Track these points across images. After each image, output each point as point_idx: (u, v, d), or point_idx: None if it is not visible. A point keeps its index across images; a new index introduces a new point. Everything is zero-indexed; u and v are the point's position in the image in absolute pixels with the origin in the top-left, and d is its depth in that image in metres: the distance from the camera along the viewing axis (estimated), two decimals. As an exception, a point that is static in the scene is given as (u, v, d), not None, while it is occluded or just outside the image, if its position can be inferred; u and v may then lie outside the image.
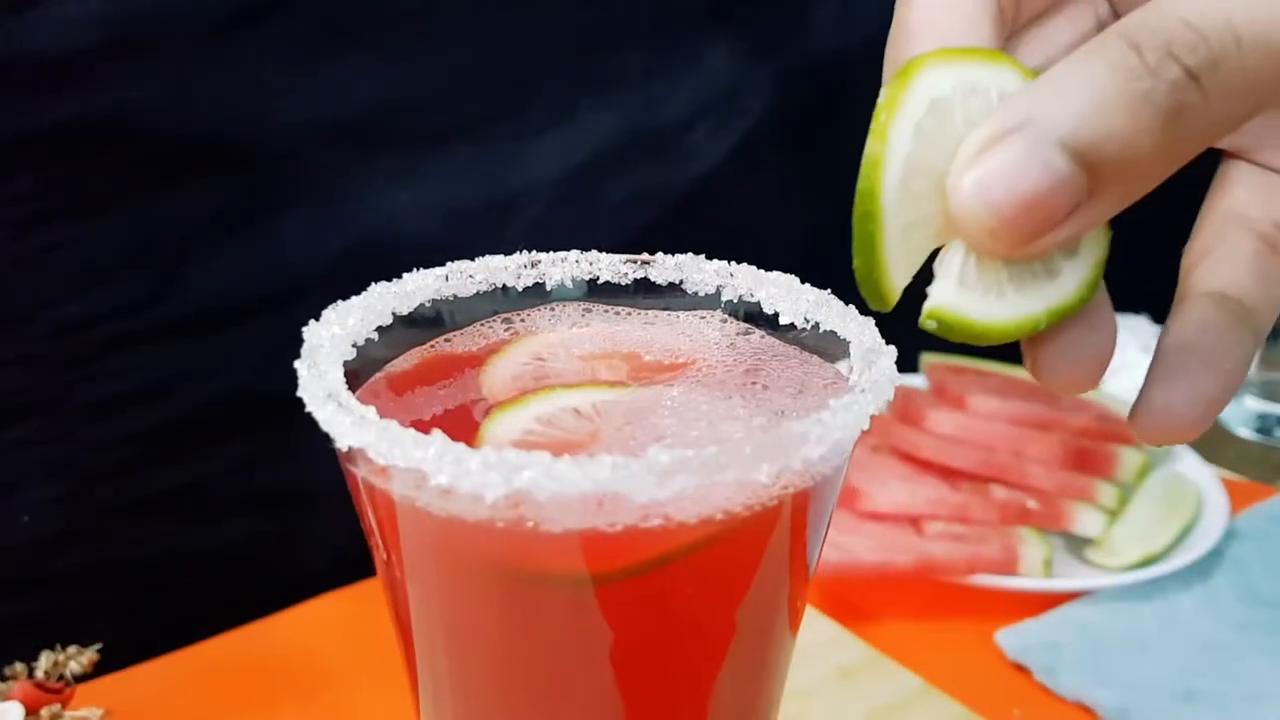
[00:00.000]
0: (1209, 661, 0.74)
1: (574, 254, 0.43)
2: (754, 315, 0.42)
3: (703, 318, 0.43)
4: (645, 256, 0.43)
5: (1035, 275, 0.32)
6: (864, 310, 0.34)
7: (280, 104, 0.80)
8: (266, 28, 0.78)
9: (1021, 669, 0.74)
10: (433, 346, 0.41)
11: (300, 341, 0.36)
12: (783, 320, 0.41)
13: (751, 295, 0.42)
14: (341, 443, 0.33)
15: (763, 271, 0.42)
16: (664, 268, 0.43)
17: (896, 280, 0.32)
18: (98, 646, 0.69)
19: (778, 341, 0.41)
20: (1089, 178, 0.28)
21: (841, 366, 0.40)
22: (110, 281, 0.77)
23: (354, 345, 0.38)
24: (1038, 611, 0.78)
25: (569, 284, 0.43)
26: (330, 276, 0.83)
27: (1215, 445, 1.00)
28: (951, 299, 0.32)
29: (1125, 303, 1.08)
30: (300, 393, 0.34)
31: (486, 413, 0.37)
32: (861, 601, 0.80)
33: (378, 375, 0.40)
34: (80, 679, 0.68)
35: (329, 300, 0.39)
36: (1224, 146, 0.36)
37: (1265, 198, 0.35)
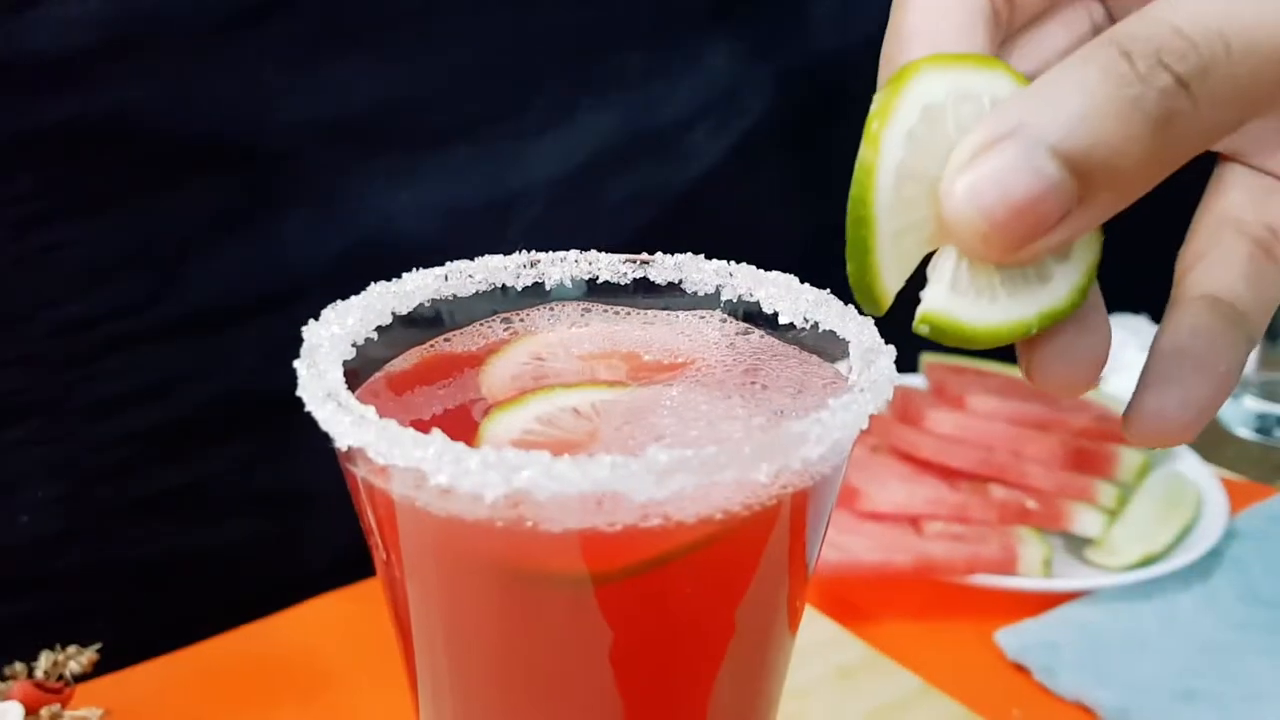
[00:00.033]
0: (1209, 661, 0.74)
1: (573, 254, 0.43)
2: (753, 315, 0.42)
3: (702, 317, 0.43)
4: (644, 256, 0.43)
5: (1027, 279, 0.32)
6: (863, 310, 0.34)
7: (280, 104, 0.80)
8: (266, 28, 0.78)
9: (1021, 669, 0.74)
10: (432, 346, 0.41)
11: (300, 341, 0.36)
12: (782, 320, 0.41)
13: (751, 295, 0.42)
14: (341, 442, 0.33)
15: (762, 271, 0.42)
16: (663, 267, 0.43)
17: (889, 285, 0.32)
18: (97, 646, 0.69)
19: (777, 341, 0.42)
20: (1080, 184, 0.28)
21: (841, 366, 0.40)
22: (110, 281, 0.77)
23: (353, 345, 0.38)
24: (1037, 611, 0.78)
25: (568, 284, 0.43)
26: (330, 276, 0.83)
27: (1215, 445, 1.01)
28: (944, 303, 0.32)
29: (1125, 303, 1.09)
30: (300, 392, 0.34)
31: (486, 412, 0.38)
32: (861, 601, 0.80)
33: (377, 375, 0.40)
34: (80, 679, 0.68)
35: (329, 300, 0.39)
36: (1219, 150, 0.36)
37: (1260, 201, 0.35)
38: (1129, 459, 0.88)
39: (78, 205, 0.75)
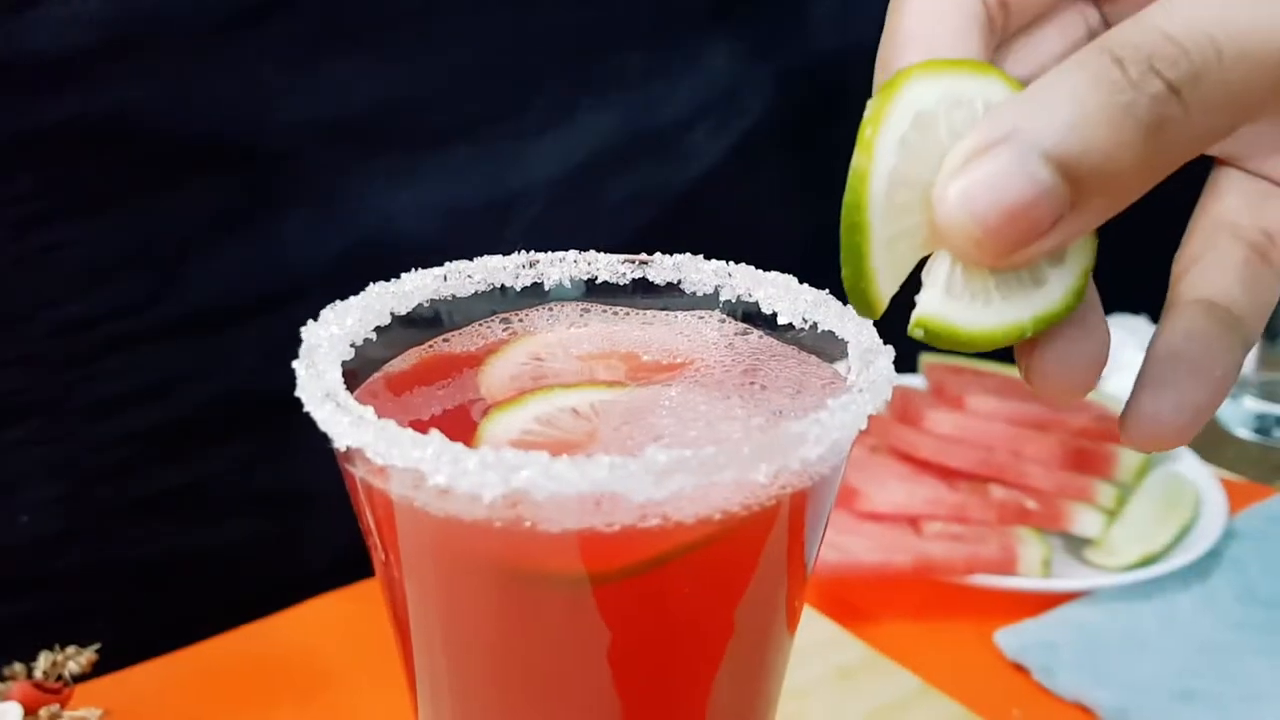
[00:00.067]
0: (1207, 661, 0.74)
1: (572, 254, 0.43)
2: (752, 315, 0.42)
3: (701, 318, 0.43)
4: (643, 256, 0.43)
5: (1022, 283, 0.32)
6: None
7: (280, 104, 0.80)
8: (266, 28, 0.78)
9: (1020, 669, 0.74)
10: (431, 346, 0.41)
11: (300, 341, 0.36)
12: (781, 320, 0.41)
13: (750, 295, 0.42)
14: (339, 442, 0.33)
15: (761, 271, 0.42)
16: (662, 268, 0.43)
17: (884, 290, 0.32)
18: (96, 646, 0.69)
19: (776, 341, 0.42)
20: (1072, 189, 0.28)
21: (840, 366, 0.40)
22: (110, 281, 0.77)
23: (352, 345, 0.38)
24: (1036, 611, 0.78)
25: (567, 284, 0.43)
26: (330, 276, 0.83)
27: (1214, 445, 1.01)
28: (938, 308, 0.32)
29: (1125, 303, 1.08)
30: (298, 392, 0.34)
31: (485, 413, 0.38)
32: (860, 601, 0.80)
33: (376, 375, 0.40)
34: (79, 679, 0.68)
35: (329, 300, 0.39)
36: (1215, 154, 0.36)
37: (1255, 205, 0.35)
38: (1128, 459, 0.88)
39: (78, 205, 0.75)
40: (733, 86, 1.01)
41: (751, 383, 0.39)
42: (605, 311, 0.43)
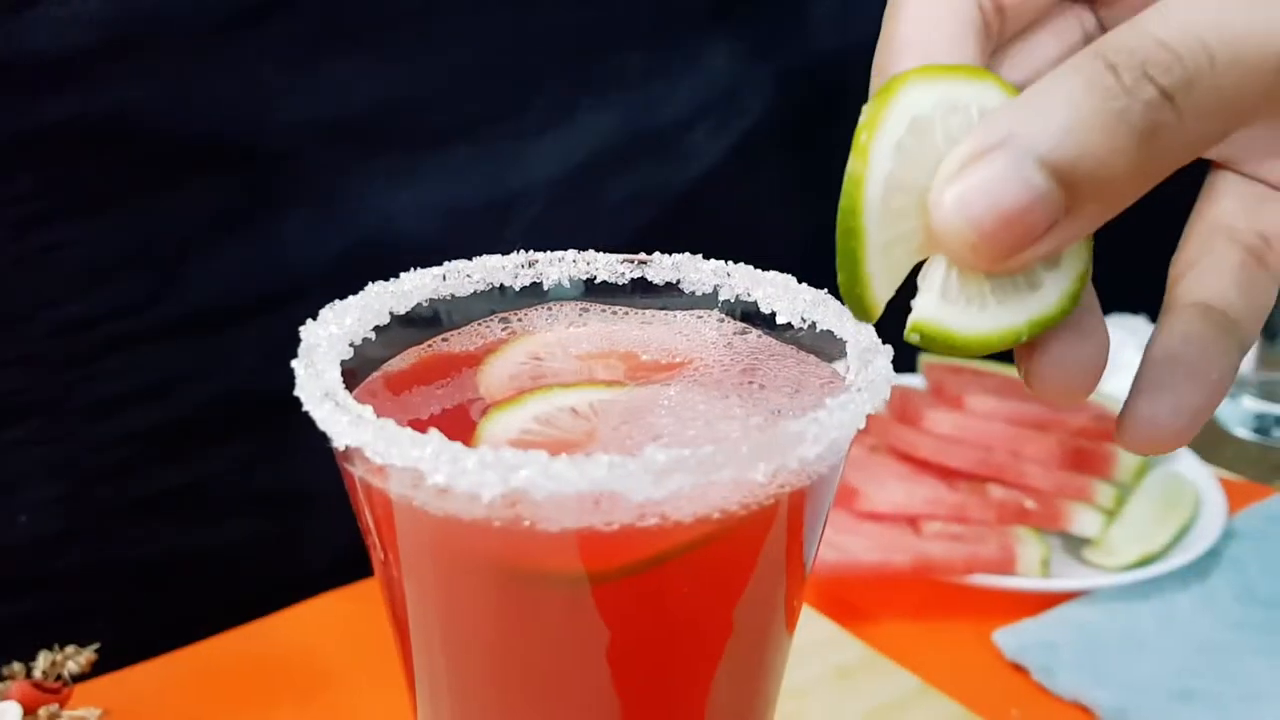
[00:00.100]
0: (1206, 661, 0.74)
1: (571, 253, 0.43)
2: (751, 315, 0.42)
3: (700, 317, 0.43)
4: (642, 256, 0.43)
5: (1017, 287, 0.33)
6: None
7: (280, 104, 0.80)
8: (266, 28, 0.78)
9: (1019, 669, 0.74)
10: (430, 346, 0.42)
11: (299, 341, 0.36)
12: (780, 320, 0.41)
13: (748, 295, 0.42)
14: (338, 442, 0.33)
15: (759, 271, 0.42)
16: (661, 267, 0.43)
17: (880, 294, 0.32)
18: (95, 646, 0.69)
19: (774, 341, 0.42)
20: (1066, 194, 0.29)
21: (838, 366, 0.40)
22: (110, 281, 0.77)
23: (351, 345, 0.38)
24: (1035, 611, 0.78)
25: (566, 284, 0.43)
26: (330, 276, 0.83)
27: (1213, 445, 1.01)
28: (934, 312, 0.32)
29: (1124, 303, 1.08)
30: (297, 392, 0.34)
31: (484, 412, 0.38)
32: (859, 601, 0.80)
33: (375, 375, 0.40)
34: (78, 679, 0.68)
35: (329, 300, 0.39)
36: (1212, 157, 0.36)
37: (1251, 209, 0.35)
38: (1127, 459, 0.88)
39: (78, 205, 0.75)
40: (733, 86, 1.01)
41: (750, 382, 0.39)
42: (604, 311, 0.43)
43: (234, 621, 0.76)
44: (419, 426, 0.32)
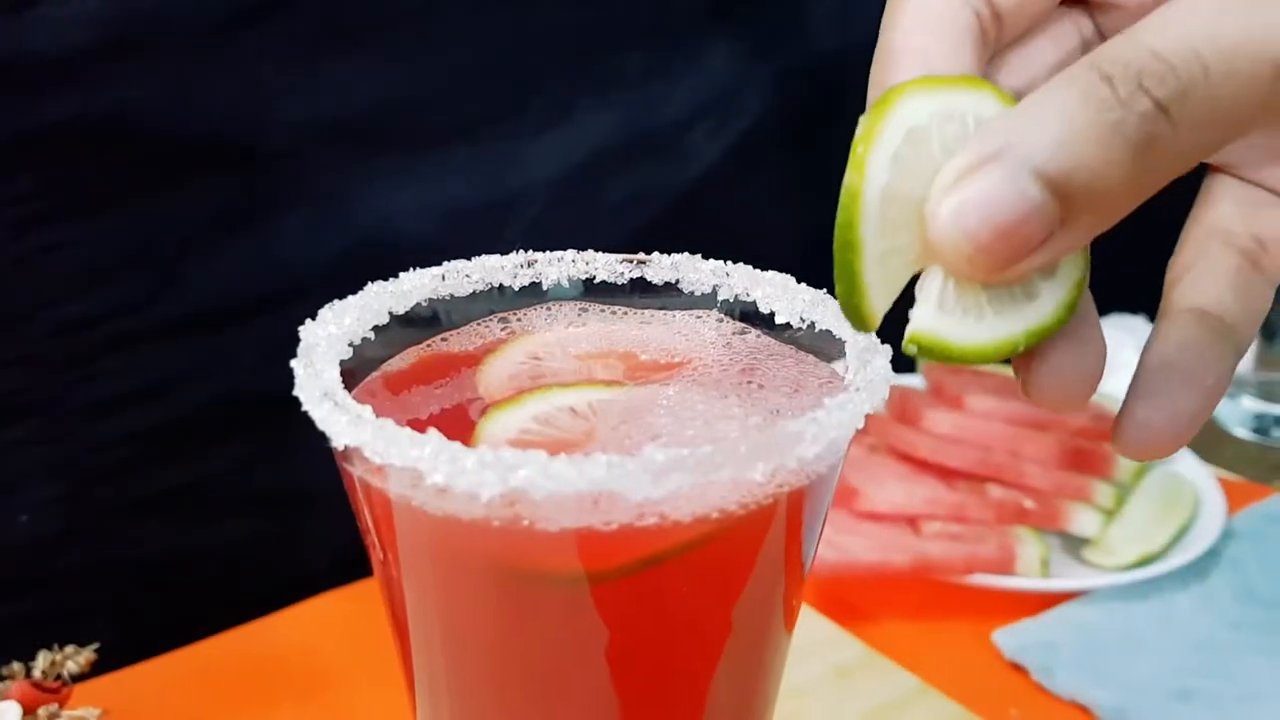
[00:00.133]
0: (1205, 661, 0.74)
1: (570, 253, 0.43)
2: (750, 314, 0.42)
3: (699, 317, 0.43)
4: (641, 256, 0.43)
5: (1014, 297, 0.33)
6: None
7: (280, 104, 0.80)
8: (266, 28, 0.78)
9: (1019, 668, 0.74)
10: (429, 346, 0.42)
11: (299, 341, 0.36)
12: (778, 320, 0.41)
13: (747, 295, 0.42)
14: (337, 441, 0.33)
15: (758, 271, 0.42)
16: (660, 267, 0.43)
17: (877, 305, 0.32)
18: (95, 646, 0.69)
19: (773, 341, 0.42)
20: (1062, 206, 0.29)
21: (837, 366, 0.40)
22: (110, 281, 0.77)
23: (350, 344, 0.38)
24: (1035, 611, 0.78)
25: (565, 283, 0.43)
26: (330, 276, 0.83)
27: (1212, 445, 1.01)
28: (931, 323, 0.32)
29: (1124, 303, 1.08)
30: (296, 392, 0.34)
31: (483, 412, 0.38)
32: (859, 601, 0.80)
33: (374, 374, 0.40)
34: (78, 678, 0.68)
35: (328, 300, 0.39)
36: (1209, 161, 0.36)
37: (1248, 213, 0.35)
38: (1126, 459, 0.88)
39: (78, 205, 0.75)
40: (732, 86, 1.01)
41: (749, 382, 0.39)
42: (603, 311, 0.43)
43: (234, 621, 0.76)
44: (418, 426, 0.32)
